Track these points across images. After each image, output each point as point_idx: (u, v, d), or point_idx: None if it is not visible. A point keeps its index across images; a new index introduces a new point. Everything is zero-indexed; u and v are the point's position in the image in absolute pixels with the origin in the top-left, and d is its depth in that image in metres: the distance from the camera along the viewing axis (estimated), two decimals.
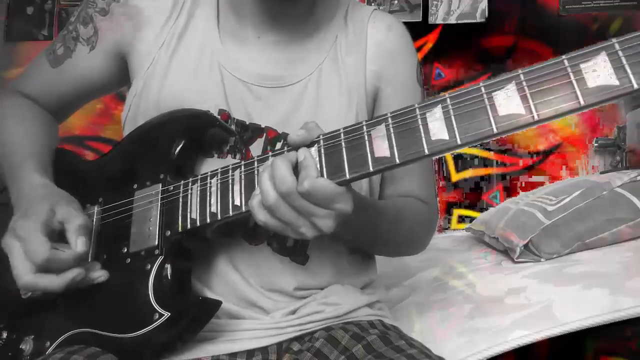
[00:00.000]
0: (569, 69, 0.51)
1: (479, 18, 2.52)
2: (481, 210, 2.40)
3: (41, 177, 0.78)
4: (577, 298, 1.07)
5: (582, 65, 0.50)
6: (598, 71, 0.50)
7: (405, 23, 0.93)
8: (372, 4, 2.58)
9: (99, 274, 0.73)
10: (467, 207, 2.50)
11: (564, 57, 0.52)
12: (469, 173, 2.51)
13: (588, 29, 2.43)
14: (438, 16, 2.56)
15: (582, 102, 0.50)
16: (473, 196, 2.51)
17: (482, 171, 2.50)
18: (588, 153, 2.40)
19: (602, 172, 2.05)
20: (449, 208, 2.52)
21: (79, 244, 0.70)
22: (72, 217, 0.72)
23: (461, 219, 2.50)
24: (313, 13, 0.87)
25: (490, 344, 0.96)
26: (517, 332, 0.98)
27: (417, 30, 2.50)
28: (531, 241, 1.43)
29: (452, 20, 2.55)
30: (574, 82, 0.50)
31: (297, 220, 0.60)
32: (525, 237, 1.44)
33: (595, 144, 2.35)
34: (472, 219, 2.36)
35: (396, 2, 2.59)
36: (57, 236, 0.71)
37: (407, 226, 0.85)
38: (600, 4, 2.43)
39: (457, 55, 2.56)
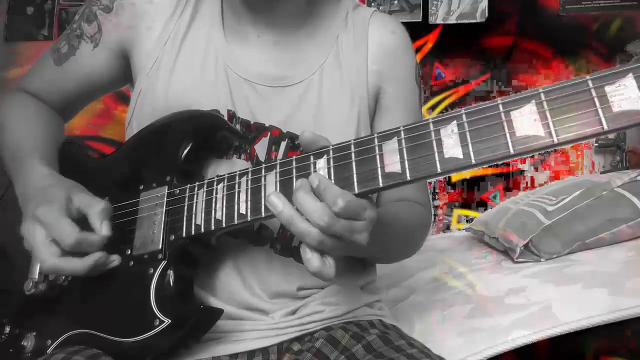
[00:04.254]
0: (592, 92, 0.47)
1: (479, 18, 2.52)
2: (481, 210, 2.40)
3: (47, 168, 0.79)
4: (577, 298, 1.07)
5: (607, 88, 0.47)
6: (624, 95, 0.46)
7: (405, 23, 0.94)
8: (373, 4, 2.58)
9: (113, 258, 0.73)
10: (467, 207, 2.50)
11: (587, 77, 0.48)
12: (468, 173, 2.51)
13: (588, 29, 2.43)
14: (438, 16, 2.56)
15: (605, 127, 0.46)
16: (473, 196, 2.50)
17: (481, 171, 2.49)
18: (588, 153, 2.39)
19: (602, 172, 2.05)
20: (449, 208, 2.52)
21: (103, 227, 0.71)
22: (93, 203, 0.72)
23: (461, 219, 2.50)
24: (312, 13, 0.87)
25: (490, 344, 0.97)
26: (517, 332, 0.98)
27: (417, 30, 2.50)
28: (531, 241, 1.43)
29: (452, 20, 2.55)
30: (598, 106, 0.47)
31: (348, 233, 0.57)
32: (525, 237, 1.44)
33: (595, 144, 2.35)
34: (472, 219, 2.35)
35: (396, 2, 2.59)
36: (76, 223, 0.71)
37: (406, 231, 0.85)
38: (600, 4, 2.42)
39: (457, 55, 2.55)
